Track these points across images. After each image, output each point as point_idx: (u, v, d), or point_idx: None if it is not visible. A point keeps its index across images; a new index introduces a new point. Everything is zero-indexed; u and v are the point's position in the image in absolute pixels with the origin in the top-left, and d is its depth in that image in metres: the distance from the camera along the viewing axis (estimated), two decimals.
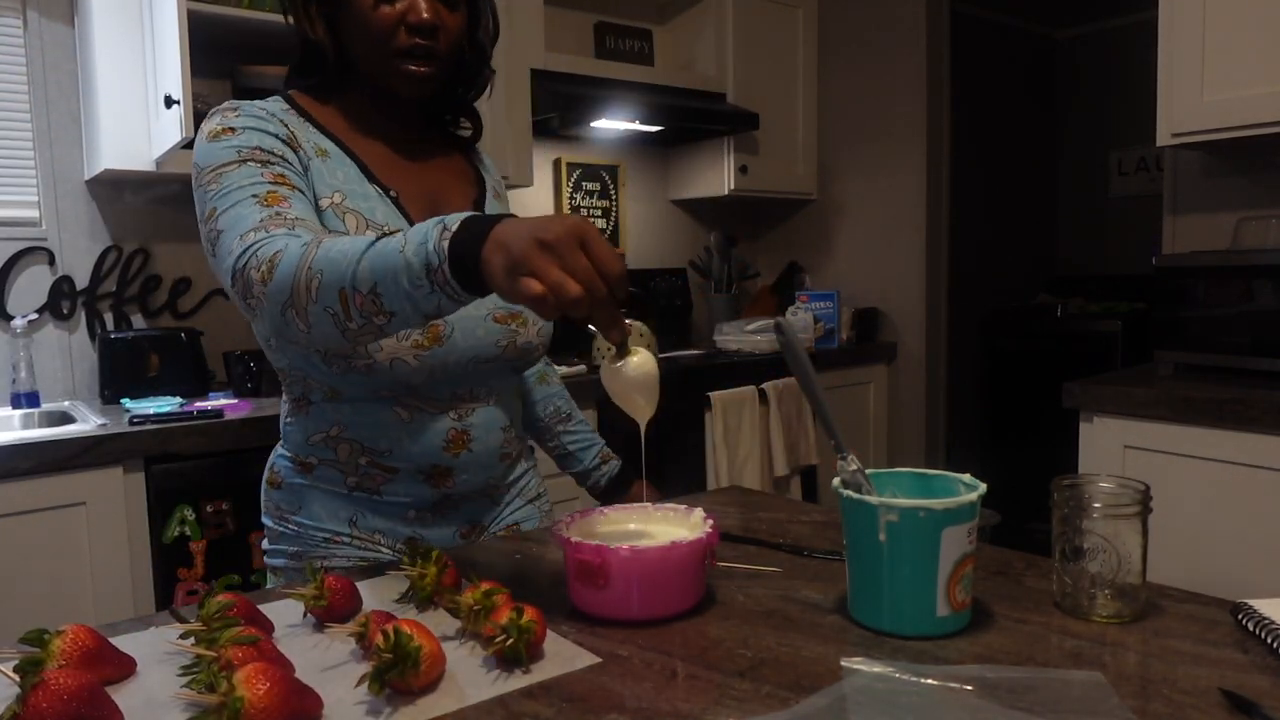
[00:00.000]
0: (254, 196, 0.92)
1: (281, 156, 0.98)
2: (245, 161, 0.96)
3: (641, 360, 0.78)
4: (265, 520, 1.13)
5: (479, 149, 1.23)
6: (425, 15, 1.00)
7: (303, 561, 1.06)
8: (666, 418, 1.09)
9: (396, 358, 0.98)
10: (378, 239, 0.78)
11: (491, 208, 1.17)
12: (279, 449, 1.12)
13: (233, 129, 0.98)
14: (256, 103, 1.04)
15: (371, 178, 1.05)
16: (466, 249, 0.73)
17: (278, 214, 0.90)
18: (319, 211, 1.00)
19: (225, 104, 1.03)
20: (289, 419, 1.10)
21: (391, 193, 1.06)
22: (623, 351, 0.78)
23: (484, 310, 1.05)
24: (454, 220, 0.75)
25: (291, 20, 1.08)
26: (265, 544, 1.12)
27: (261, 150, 0.97)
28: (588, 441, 1.32)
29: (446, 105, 1.17)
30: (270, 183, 0.94)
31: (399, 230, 0.79)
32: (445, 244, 0.73)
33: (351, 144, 1.07)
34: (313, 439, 1.06)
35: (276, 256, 0.83)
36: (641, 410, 0.80)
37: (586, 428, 1.33)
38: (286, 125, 1.02)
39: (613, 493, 1.30)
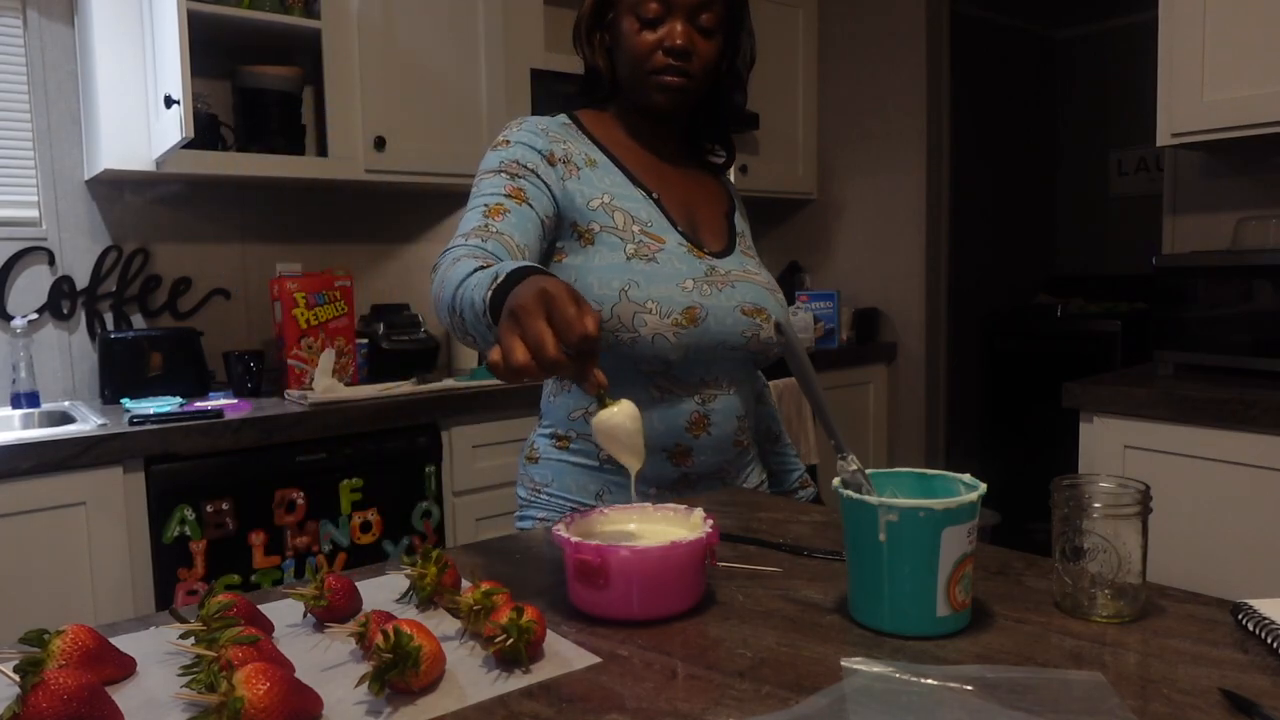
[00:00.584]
0: (485, 205, 1.08)
1: (533, 170, 1.13)
2: (500, 172, 1.12)
3: (619, 411, 0.79)
4: (519, 491, 1.26)
5: (724, 175, 1.39)
6: (679, 41, 1.14)
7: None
8: None
9: (659, 334, 1.10)
10: (473, 271, 0.91)
11: (739, 220, 1.32)
12: (538, 427, 1.25)
13: (507, 141, 1.16)
14: (542, 119, 1.20)
15: (636, 182, 1.20)
16: (499, 305, 0.82)
17: (487, 226, 1.05)
18: (589, 209, 1.14)
19: (520, 118, 1.20)
20: (553, 396, 1.22)
21: (654, 195, 1.20)
22: (603, 403, 0.78)
23: (734, 301, 1.17)
24: (505, 271, 0.84)
25: (579, 49, 1.24)
26: (517, 513, 1.25)
27: (518, 164, 1.13)
28: (791, 465, 1.40)
29: (703, 129, 1.31)
30: (505, 195, 1.09)
31: (495, 264, 0.92)
32: (489, 295, 0.83)
33: (619, 154, 1.22)
34: (574, 414, 1.19)
35: (439, 269, 1.00)
36: (625, 460, 0.81)
37: (791, 451, 1.41)
38: (559, 140, 1.17)
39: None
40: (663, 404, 1.15)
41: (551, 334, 0.71)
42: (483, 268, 0.91)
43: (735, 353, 1.18)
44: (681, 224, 1.20)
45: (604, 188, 1.17)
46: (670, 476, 1.17)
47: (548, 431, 1.23)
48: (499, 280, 0.82)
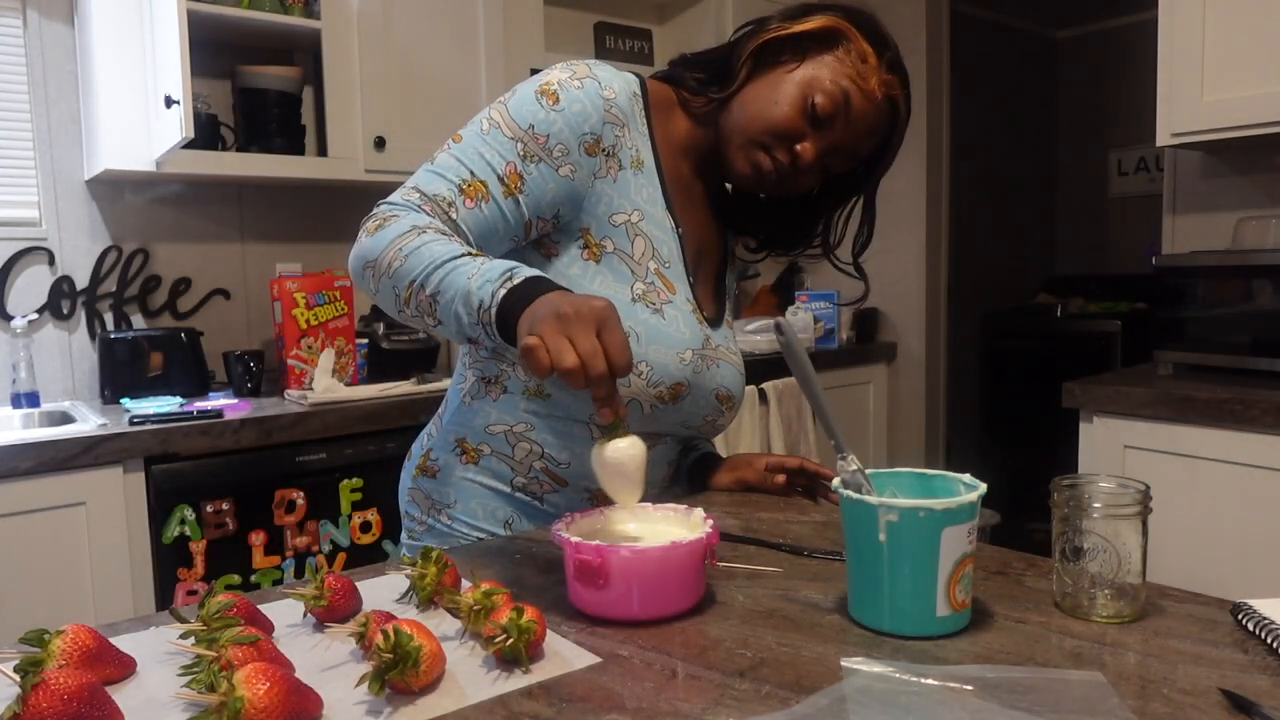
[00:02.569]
0: (464, 180, 0.93)
1: (562, 156, 0.96)
2: (517, 140, 0.95)
3: (629, 446, 0.78)
4: (409, 509, 1.09)
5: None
6: (806, 159, 1.00)
7: None
8: None
9: (635, 398, 0.98)
10: (461, 255, 0.85)
11: (729, 278, 1.20)
12: (436, 430, 1.09)
13: (558, 98, 0.96)
14: (614, 80, 1.00)
15: (669, 206, 1.04)
16: (513, 306, 0.78)
17: (451, 205, 0.92)
18: (610, 224, 0.99)
19: (586, 61, 1.00)
20: (469, 398, 1.05)
21: (680, 229, 1.05)
22: (610, 434, 0.78)
23: (714, 384, 1.06)
24: (520, 275, 0.80)
25: (740, 41, 1.05)
26: (404, 538, 1.10)
27: (547, 140, 0.95)
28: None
29: (757, 226, 1.18)
30: (498, 176, 0.94)
31: (484, 255, 0.86)
32: (501, 293, 0.79)
33: (667, 163, 1.05)
34: (492, 428, 1.03)
35: (389, 223, 0.89)
36: (620, 496, 0.80)
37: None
38: (617, 123, 0.99)
39: (699, 471, 1.23)
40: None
41: (602, 350, 0.72)
42: (471, 254, 0.85)
43: (688, 429, 1.09)
44: (692, 274, 1.07)
45: (636, 202, 1.01)
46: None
47: (451, 439, 1.06)
48: (514, 282, 0.80)
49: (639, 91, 1.03)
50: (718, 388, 1.07)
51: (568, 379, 0.72)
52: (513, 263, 0.83)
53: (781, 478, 1.13)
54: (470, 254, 0.85)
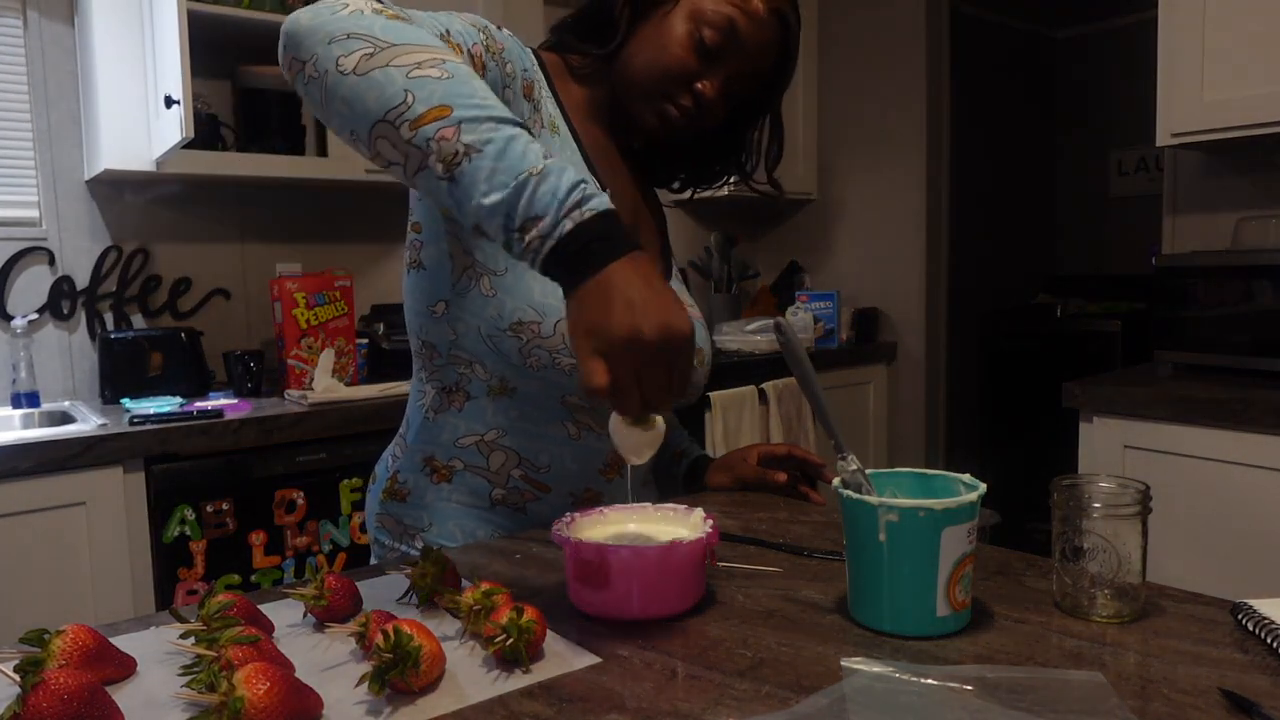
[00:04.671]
0: (438, 32, 0.80)
1: (509, 77, 0.89)
2: (481, 31, 0.86)
3: (659, 423, 0.74)
4: (378, 536, 1.01)
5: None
6: (710, 95, 0.97)
7: None
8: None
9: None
10: (519, 123, 0.70)
11: (669, 238, 1.16)
12: (401, 451, 1.01)
13: (488, 32, 0.87)
14: (518, 49, 0.93)
15: (591, 167, 0.98)
16: (576, 252, 0.66)
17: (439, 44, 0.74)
18: None
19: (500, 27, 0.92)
20: (432, 413, 0.98)
21: (607, 190, 1.00)
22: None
23: None
24: (592, 204, 0.67)
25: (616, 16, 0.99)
26: (373, 561, 1.02)
27: (504, 52, 0.88)
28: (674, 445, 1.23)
29: (676, 169, 1.14)
30: (467, 51, 0.82)
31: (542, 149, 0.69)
32: (567, 225, 0.65)
33: (581, 131, 1.00)
34: (462, 440, 0.97)
35: (368, 10, 0.72)
36: (632, 458, 0.76)
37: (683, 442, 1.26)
38: (535, 82, 0.94)
39: (694, 475, 1.21)
40: (579, 443, 0.99)
41: (669, 385, 0.67)
42: (525, 125, 0.70)
43: None
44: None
45: None
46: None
47: (419, 459, 0.99)
48: (584, 215, 0.66)
49: (534, 62, 0.98)
50: None
51: (625, 412, 0.68)
52: (576, 174, 0.68)
53: (783, 476, 1.12)
54: (521, 123, 0.70)
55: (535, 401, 0.95)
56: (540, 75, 0.97)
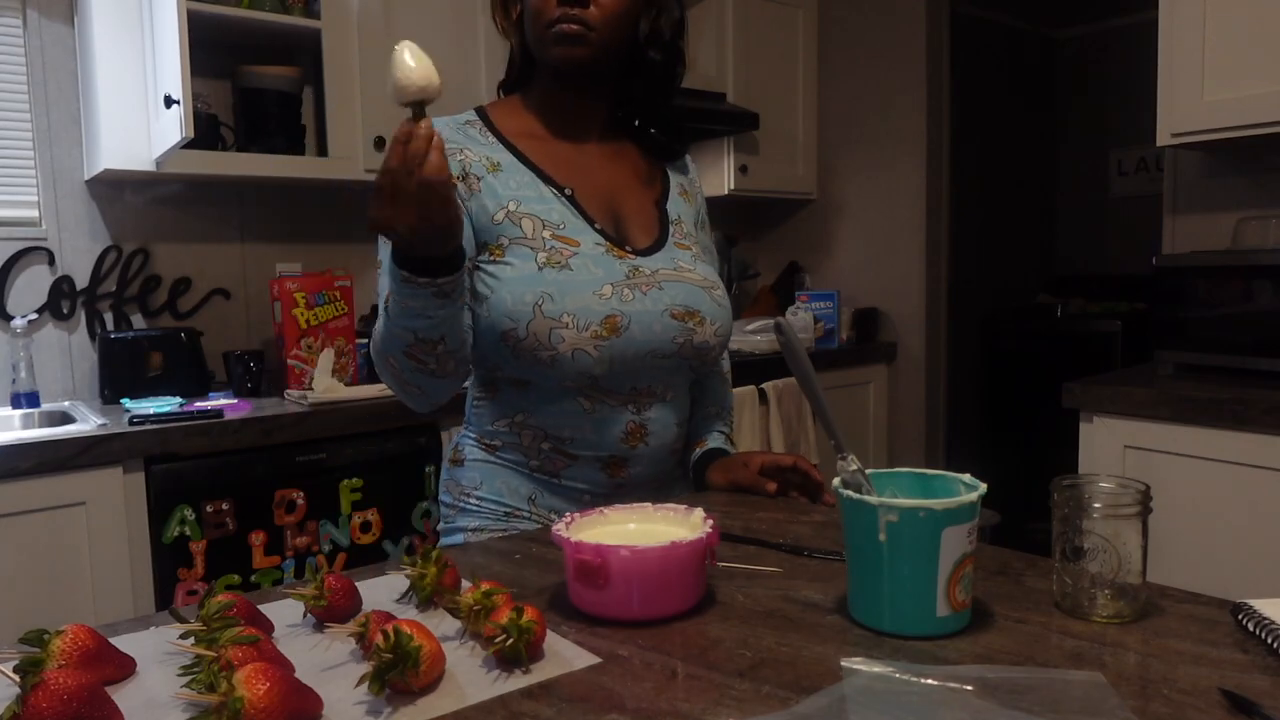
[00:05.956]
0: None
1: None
2: None
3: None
4: (443, 499, 1.19)
5: (679, 162, 1.27)
6: None
7: (484, 535, 1.11)
8: None
9: (578, 349, 1.04)
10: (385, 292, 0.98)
11: (676, 205, 1.21)
12: (464, 430, 1.20)
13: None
14: (446, 122, 1.12)
15: (546, 179, 1.12)
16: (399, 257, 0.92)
17: None
18: (494, 224, 1.07)
19: None
20: (477, 402, 1.17)
21: (567, 191, 1.12)
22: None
23: (661, 305, 1.09)
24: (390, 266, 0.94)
25: (496, 25, 1.17)
26: (440, 525, 1.19)
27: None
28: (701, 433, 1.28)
29: (632, 106, 1.19)
30: None
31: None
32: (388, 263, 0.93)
33: (529, 150, 1.13)
34: (497, 423, 1.14)
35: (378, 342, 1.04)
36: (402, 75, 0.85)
37: (719, 427, 1.30)
38: (455, 152, 1.08)
39: (700, 468, 1.24)
40: (595, 415, 1.09)
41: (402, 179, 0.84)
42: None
43: (667, 360, 1.10)
44: (601, 220, 1.12)
45: (509, 193, 1.09)
46: (605, 486, 1.12)
47: (473, 436, 1.17)
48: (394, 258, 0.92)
49: (472, 119, 1.15)
50: (669, 307, 1.09)
51: (393, 158, 0.84)
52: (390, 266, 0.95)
53: (773, 485, 1.14)
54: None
55: (545, 387, 1.09)
56: (471, 134, 1.13)
